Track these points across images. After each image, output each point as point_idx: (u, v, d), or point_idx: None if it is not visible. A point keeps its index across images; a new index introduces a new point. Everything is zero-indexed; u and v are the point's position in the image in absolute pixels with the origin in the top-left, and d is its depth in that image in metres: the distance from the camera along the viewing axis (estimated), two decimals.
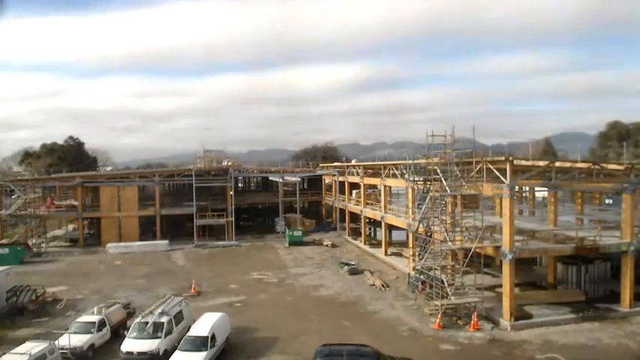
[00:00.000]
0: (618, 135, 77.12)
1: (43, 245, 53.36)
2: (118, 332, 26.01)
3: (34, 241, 52.47)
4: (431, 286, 30.71)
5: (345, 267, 41.89)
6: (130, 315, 28.09)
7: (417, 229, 33.54)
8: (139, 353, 22.43)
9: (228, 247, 54.71)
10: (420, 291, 32.67)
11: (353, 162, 71.93)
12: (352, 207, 59.93)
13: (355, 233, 60.33)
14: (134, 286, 37.71)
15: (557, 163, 29.64)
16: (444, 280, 29.06)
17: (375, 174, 53.55)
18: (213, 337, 22.67)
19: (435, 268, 30.26)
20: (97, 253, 52.02)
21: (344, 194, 63.38)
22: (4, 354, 21.16)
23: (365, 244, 53.95)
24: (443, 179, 30.00)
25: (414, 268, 34.28)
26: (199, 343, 22.15)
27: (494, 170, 28.23)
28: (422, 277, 32.86)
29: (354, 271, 40.88)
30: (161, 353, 22.60)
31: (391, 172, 47.61)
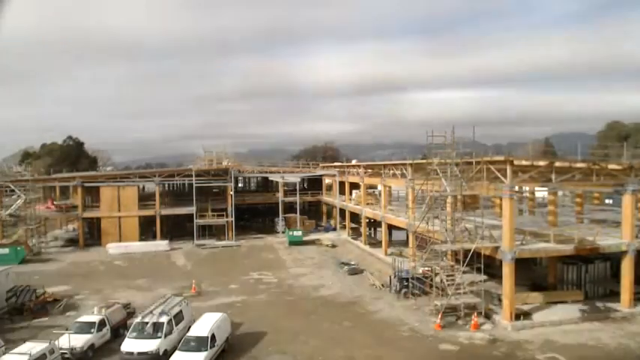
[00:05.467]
0: (618, 135, 77.25)
1: (43, 245, 53.36)
2: (118, 332, 26.04)
3: (34, 241, 52.46)
4: (417, 293, 31.41)
5: (345, 267, 41.91)
6: (130, 315, 28.09)
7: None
8: (139, 353, 22.42)
9: (228, 247, 54.72)
10: (407, 297, 32.39)
11: (353, 162, 71.99)
12: (352, 207, 59.92)
13: (355, 233, 60.37)
14: (134, 286, 37.70)
15: (557, 163, 29.60)
16: (444, 280, 29.08)
17: (375, 174, 53.56)
18: (213, 337, 22.66)
19: (436, 268, 30.29)
20: (97, 253, 52.02)
21: (344, 194, 63.39)
22: (4, 354, 21.18)
23: (365, 244, 53.94)
24: (443, 179, 30.00)
25: (394, 275, 34.16)
26: (199, 344, 22.16)
27: (494, 170, 28.23)
28: (406, 282, 32.64)
29: (354, 271, 40.88)
30: (161, 353, 22.60)
31: (391, 172, 47.62)
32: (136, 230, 56.75)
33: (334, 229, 64.74)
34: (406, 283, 32.77)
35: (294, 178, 67.99)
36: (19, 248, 47.55)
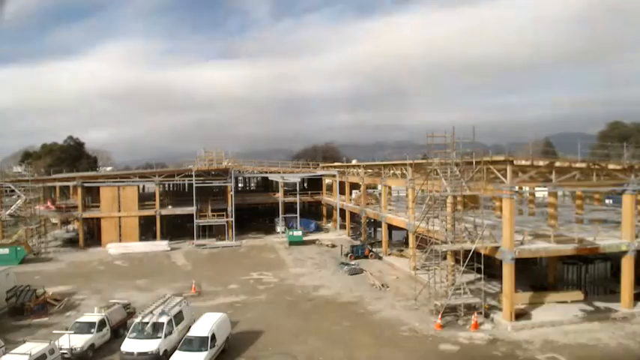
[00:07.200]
0: (618, 135, 77.33)
1: (43, 245, 53.36)
2: (118, 332, 26.05)
3: (34, 241, 52.46)
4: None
5: (345, 267, 41.91)
6: (130, 315, 28.08)
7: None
8: (139, 353, 22.41)
9: (228, 247, 54.72)
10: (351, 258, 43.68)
11: (353, 162, 72.01)
12: (352, 207, 59.92)
13: (355, 233, 60.32)
14: (134, 286, 37.70)
15: (557, 163, 29.60)
16: (444, 280, 29.11)
17: (375, 174, 53.56)
18: (213, 337, 22.67)
19: (435, 268, 30.30)
20: (97, 253, 52.00)
21: (344, 194, 63.37)
22: (4, 354, 21.18)
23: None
24: (443, 180, 30.00)
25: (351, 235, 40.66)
26: (199, 343, 22.17)
27: (495, 170, 28.23)
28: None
29: (354, 271, 40.87)
30: (161, 353, 22.59)
31: (391, 172, 47.62)
32: (136, 230, 56.73)
33: (321, 229, 65.14)
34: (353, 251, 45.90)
35: (294, 178, 68.06)
36: (19, 248, 47.53)
